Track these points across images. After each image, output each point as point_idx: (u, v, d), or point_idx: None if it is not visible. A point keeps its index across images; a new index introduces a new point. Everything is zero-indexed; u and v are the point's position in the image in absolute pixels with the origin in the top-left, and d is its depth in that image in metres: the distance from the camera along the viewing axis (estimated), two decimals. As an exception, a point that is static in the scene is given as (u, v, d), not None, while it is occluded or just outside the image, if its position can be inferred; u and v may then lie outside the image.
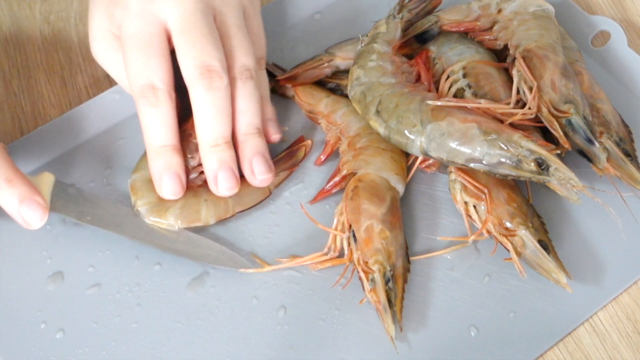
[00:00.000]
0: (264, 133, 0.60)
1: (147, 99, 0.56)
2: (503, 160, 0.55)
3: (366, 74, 0.60)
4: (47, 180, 0.58)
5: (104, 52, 0.61)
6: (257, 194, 0.60)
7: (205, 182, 0.60)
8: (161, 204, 0.59)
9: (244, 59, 0.58)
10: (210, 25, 0.57)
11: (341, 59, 0.65)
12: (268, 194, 0.61)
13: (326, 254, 0.57)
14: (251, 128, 0.58)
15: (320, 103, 0.64)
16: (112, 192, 0.61)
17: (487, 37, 0.64)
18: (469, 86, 0.61)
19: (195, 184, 0.60)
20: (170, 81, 0.57)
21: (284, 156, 0.62)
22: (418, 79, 0.62)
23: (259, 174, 0.58)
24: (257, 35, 0.62)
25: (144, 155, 0.60)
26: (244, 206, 0.60)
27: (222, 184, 0.57)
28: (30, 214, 0.55)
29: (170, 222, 0.58)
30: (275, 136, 0.61)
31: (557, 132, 0.57)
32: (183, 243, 0.58)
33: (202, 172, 0.60)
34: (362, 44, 0.63)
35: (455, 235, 0.59)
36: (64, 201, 0.58)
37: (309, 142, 0.63)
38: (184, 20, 0.57)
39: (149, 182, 0.59)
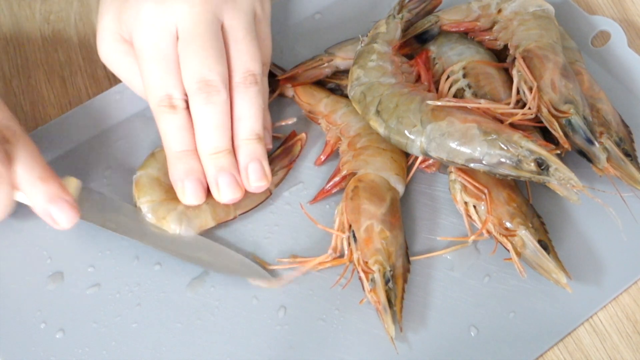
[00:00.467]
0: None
1: (165, 107, 0.57)
2: (503, 160, 0.55)
3: (366, 74, 0.60)
4: (73, 185, 0.58)
5: (112, 55, 0.61)
6: (257, 195, 0.60)
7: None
8: (163, 205, 0.59)
9: (249, 63, 0.58)
10: (214, 36, 0.57)
11: (341, 59, 0.65)
12: (269, 194, 0.61)
13: (332, 256, 0.57)
14: (250, 134, 0.58)
15: (320, 103, 0.64)
16: (112, 192, 0.61)
17: (487, 37, 0.64)
18: (469, 86, 0.61)
19: None
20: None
21: (280, 153, 0.62)
22: (418, 79, 0.62)
23: (254, 180, 0.58)
24: (265, 40, 0.62)
25: (152, 154, 0.61)
26: (245, 208, 0.60)
27: (223, 190, 0.57)
28: (60, 214, 0.55)
29: (171, 224, 0.58)
30: (266, 147, 0.61)
31: (557, 133, 0.57)
32: (205, 253, 0.58)
33: None
34: (362, 44, 0.63)
35: (455, 235, 0.59)
36: (89, 207, 0.58)
37: (303, 135, 0.63)
38: (189, 31, 0.57)
39: (154, 181, 0.59)
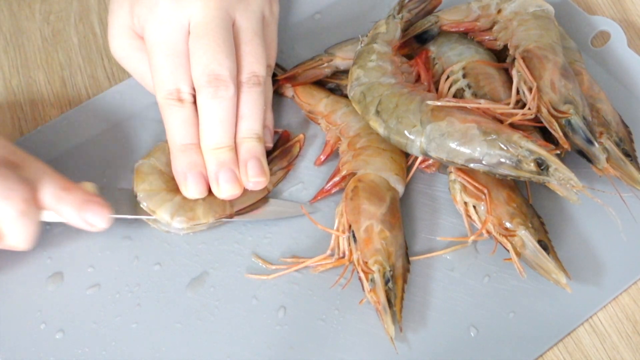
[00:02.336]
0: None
1: (173, 100, 0.58)
2: (503, 160, 0.55)
3: (366, 74, 0.60)
4: (89, 188, 0.58)
5: (124, 50, 0.62)
6: (255, 193, 0.60)
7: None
8: (160, 194, 0.59)
9: (255, 65, 0.59)
10: (226, 32, 0.58)
11: (341, 59, 0.65)
12: (266, 193, 0.61)
13: (331, 256, 0.57)
14: (250, 133, 0.59)
15: (320, 103, 0.64)
16: (112, 192, 0.61)
17: (487, 37, 0.64)
18: (469, 86, 0.61)
19: None
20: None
21: (279, 154, 0.62)
22: (418, 79, 0.62)
23: (252, 176, 0.58)
24: (271, 43, 0.64)
25: (157, 146, 0.61)
26: (241, 205, 0.60)
27: (223, 185, 0.58)
28: (94, 217, 0.56)
29: (163, 214, 0.58)
30: (266, 145, 0.61)
31: (557, 133, 0.57)
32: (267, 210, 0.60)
33: None
34: (362, 44, 0.63)
35: (455, 235, 0.59)
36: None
37: (302, 136, 0.63)
38: (201, 26, 0.58)
39: (155, 170, 0.60)
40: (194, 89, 0.58)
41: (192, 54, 0.58)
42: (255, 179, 0.59)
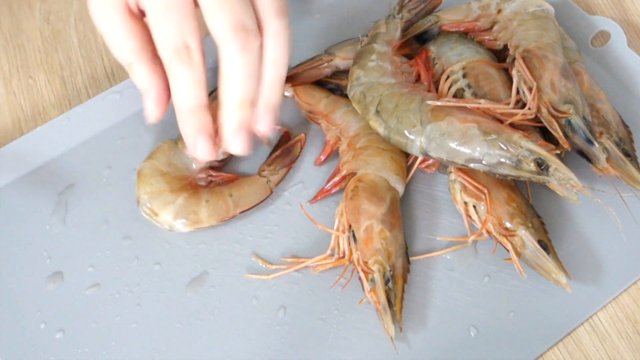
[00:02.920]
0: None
1: (182, 58, 0.52)
2: (503, 160, 0.55)
3: (366, 74, 0.61)
4: None
5: (102, 11, 0.55)
6: (257, 194, 0.60)
7: (208, 183, 0.60)
8: (162, 196, 0.59)
9: (278, 20, 0.53)
10: None
11: (341, 59, 0.65)
12: (269, 192, 0.61)
13: (331, 256, 0.57)
14: (278, 79, 0.54)
15: (320, 103, 0.64)
16: (112, 192, 0.61)
17: (487, 37, 0.64)
18: (469, 86, 0.61)
19: (199, 184, 0.60)
20: (202, 41, 0.53)
21: (280, 153, 0.62)
22: (418, 79, 0.62)
23: (265, 129, 0.54)
24: None
25: (159, 147, 0.61)
26: (245, 206, 0.60)
27: (237, 144, 0.54)
28: None
29: (166, 217, 0.58)
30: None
31: (557, 133, 0.57)
32: None
33: (207, 175, 0.61)
34: (362, 44, 0.63)
35: (455, 235, 0.59)
36: None
37: (303, 135, 0.63)
38: None
39: (157, 172, 0.60)
40: (202, 46, 0.52)
41: (207, 9, 0.52)
42: (267, 132, 0.54)
